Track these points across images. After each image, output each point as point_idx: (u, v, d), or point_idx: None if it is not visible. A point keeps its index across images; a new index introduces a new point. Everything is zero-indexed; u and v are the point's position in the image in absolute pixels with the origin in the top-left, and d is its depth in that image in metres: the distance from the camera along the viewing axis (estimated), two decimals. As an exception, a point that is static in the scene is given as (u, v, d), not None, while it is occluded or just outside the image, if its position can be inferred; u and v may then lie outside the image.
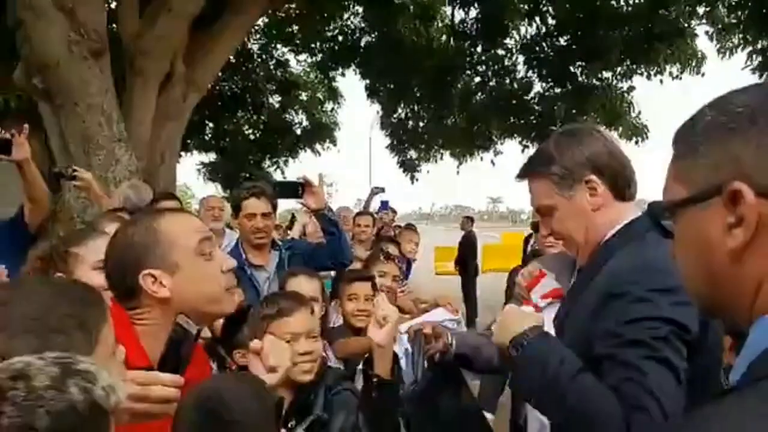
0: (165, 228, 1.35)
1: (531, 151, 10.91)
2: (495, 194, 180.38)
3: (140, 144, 6.33)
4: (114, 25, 6.83)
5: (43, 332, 0.90)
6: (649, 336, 1.24)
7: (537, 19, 10.53)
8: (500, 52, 11.32)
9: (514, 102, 11.41)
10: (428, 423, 1.96)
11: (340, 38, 11.82)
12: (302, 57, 13.29)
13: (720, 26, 9.68)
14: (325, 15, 10.60)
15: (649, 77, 10.59)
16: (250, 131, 13.88)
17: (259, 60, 12.55)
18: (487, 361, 1.92)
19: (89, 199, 4.40)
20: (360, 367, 2.17)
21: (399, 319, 1.82)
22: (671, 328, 1.25)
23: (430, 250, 14.79)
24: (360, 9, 11.16)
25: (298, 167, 14.93)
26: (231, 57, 9.22)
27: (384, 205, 8.15)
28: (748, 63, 9.07)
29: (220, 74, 9.44)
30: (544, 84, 11.35)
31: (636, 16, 9.66)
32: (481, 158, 13.62)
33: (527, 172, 1.56)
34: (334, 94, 14.30)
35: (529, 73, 11.27)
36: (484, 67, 11.59)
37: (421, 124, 13.35)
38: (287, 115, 13.98)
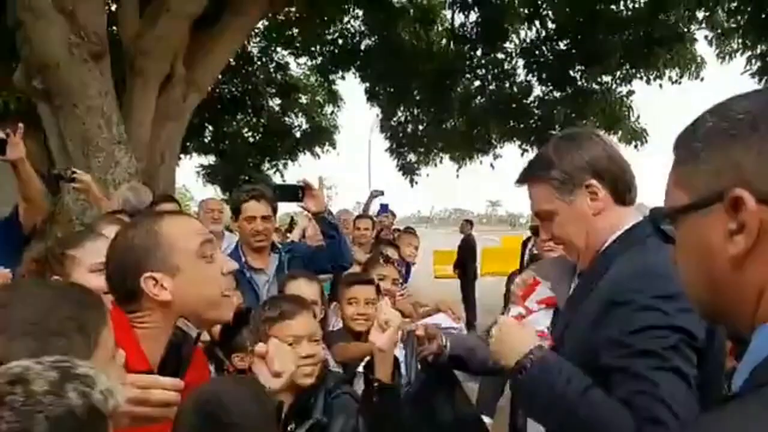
0: (166, 230, 1.35)
1: (530, 154, 10.87)
2: (494, 198, 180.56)
3: (140, 145, 6.33)
4: (114, 28, 6.84)
5: (43, 335, 0.90)
6: (659, 346, 1.23)
7: (537, 23, 10.56)
8: (500, 55, 11.34)
9: (513, 106, 11.43)
10: (424, 425, 1.95)
11: (340, 41, 11.83)
12: (302, 60, 13.32)
13: (719, 31, 9.71)
14: (325, 18, 10.62)
15: (648, 81, 10.63)
16: (250, 134, 13.90)
17: (259, 63, 12.57)
18: (482, 362, 1.91)
19: (88, 202, 4.39)
20: (360, 370, 2.17)
21: (401, 323, 1.82)
22: (680, 336, 1.23)
23: (429, 253, 14.80)
24: (360, 12, 11.19)
25: (297, 170, 14.95)
26: (231, 60, 9.24)
27: (384, 208, 8.15)
28: (748, 68, 9.11)
29: (219, 77, 9.46)
30: (543, 88, 11.37)
31: (636, 20, 9.69)
32: (481, 162, 13.66)
33: (527, 176, 1.55)
34: (333, 98, 14.32)
35: (529, 77, 11.31)
36: (483, 70, 11.60)
37: (420, 127, 13.36)
38: (287, 118, 14.00)
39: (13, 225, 3.02)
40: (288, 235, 6.29)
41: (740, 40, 9.35)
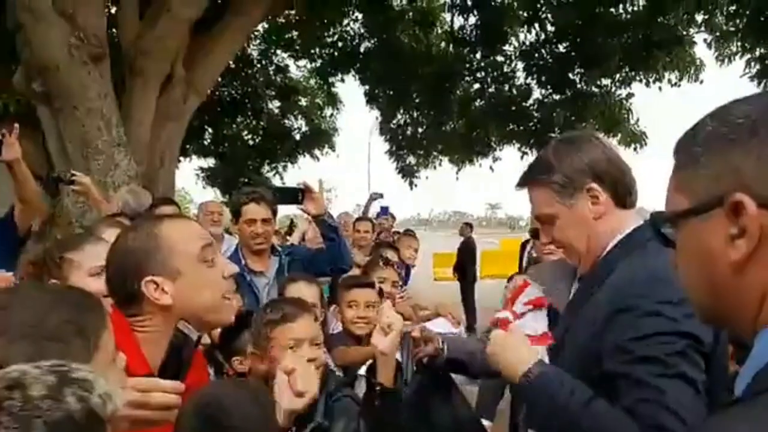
0: (167, 234, 1.34)
1: (530, 157, 10.86)
2: (493, 200, 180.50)
3: (140, 146, 6.33)
4: (114, 30, 6.84)
5: (41, 339, 0.90)
6: (663, 352, 1.21)
7: (536, 25, 10.57)
8: (499, 58, 11.35)
9: (513, 108, 11.44)
10: (423, 428, 1.94)
11: (340, 44, 11.84)
12: (302, 63, 13.33)
13: (718, 34, 9.73)
14: (325, 21, 10.63)
15: (647, 84, 10.64)
16: (250, 136, 13.89)
17: (259, 65, 12.58)
18: (482, 365, 1.91)
19: (88, 204, 4.40)
20: (362, 373, 2.16)
21: (403, 327, 1.81)
22: (688, 341, 1.22)
23: (428, 256, 14.78)
24: (359, 15, 11.20)
25: (297, 173, 14.94)
26: (231, 62, 9.24)
27: (384, 210, 8.15)
28: (747, 70, 9.13)
29: (219, 79, 9.45)
30: (543, 90, 11.38)
31: (635, 23, 9.70)
32: (480, 164, 13.65)
33: (527, 180, 1.55)
34: (333, 100, 14.32)
35: (528, 80, 11.31)
36: (483, 73, 11.62)
37: (420, 130, 13.37)
38: (286, 121, 14.00)
39: (8, 226, 3.01)
40: (288, 237, 6.29)
41: (739, 43, 9.37)
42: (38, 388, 0.70)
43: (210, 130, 12.85)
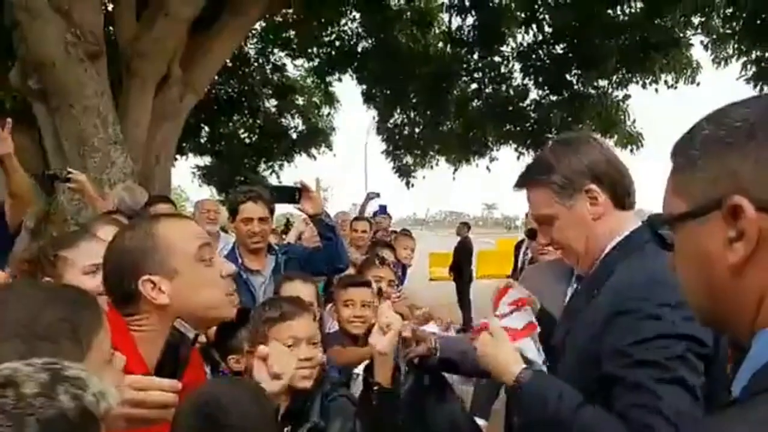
0: (164, 233, 1.34)
1: (526, 158, 10.82)
2: (490, 201, 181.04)
3: (136, 145, 6.32)
4: (111, 28, 6.82)
5: (33, 338, 0.89)
6: (663, 356, 1.21)
7: (533, 26, 10.57)
8: (497, 59, 11.35)
9: (510, 109, 11.44)
10: (417, 427, 1.94)
11: (337, 43, 11.83)
12: (299, 62, 13.32)
13: (715, 36, 9.76)
14: (322, 20, 10.63)
15: (644, 86, 10.66)
16: (246, 135, 13.87)
17: (256, 64, 12.56)
18: (474, 365, 1.91)
19: (83, 202, 4.38)
20: (356, 372, 2.16)
21: (402, 326, 1.81)
22: (687, 344, 1.22)
23: (424, 255, 14.79)
24: (357, 15, 11.19)
25: (293, 171, 14.93)
26: (228, 61, 9.22)
27: (382, 209, 8.15)
28: (743, 73, 9.15)
29: (216, 78, 9.44)
30: (540, 91, 11.39)
31: (632, 25, 9.72)
32: (477, 164, 13.64)
33: (526, 180, 1.55)
34: (330, 99, 14.31)
35: (525, 81, 11.32)
36: (480, 74, 11.62)
37: (417, 129, 13.37)
38: (283, 120, 13.98)
39: None
40: (284, 236, 6.28)
41: (735, 46, 9.40)
42: (31, 386, 0.70)
43: (207, 128, 12.83)
